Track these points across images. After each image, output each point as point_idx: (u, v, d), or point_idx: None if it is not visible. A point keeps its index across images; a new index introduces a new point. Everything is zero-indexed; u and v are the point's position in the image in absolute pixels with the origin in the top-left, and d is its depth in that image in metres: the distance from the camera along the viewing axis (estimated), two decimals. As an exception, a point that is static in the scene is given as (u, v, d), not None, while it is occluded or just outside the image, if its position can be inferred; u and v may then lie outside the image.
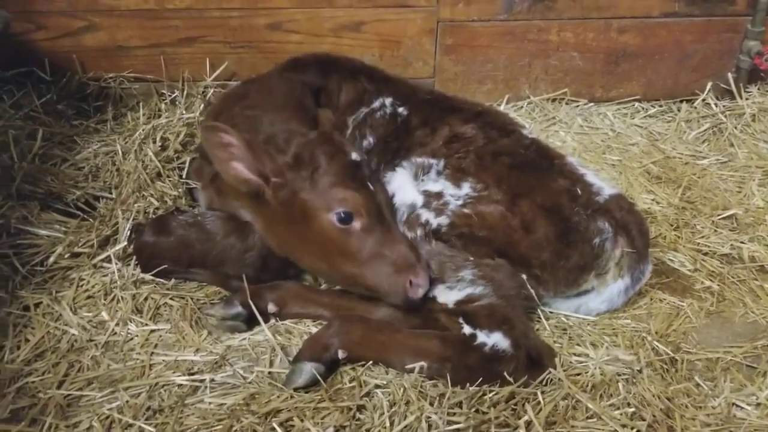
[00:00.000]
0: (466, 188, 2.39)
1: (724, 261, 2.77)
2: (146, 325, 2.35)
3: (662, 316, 2.48)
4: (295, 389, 2.10)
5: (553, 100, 3.81)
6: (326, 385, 2.12)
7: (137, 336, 2.32)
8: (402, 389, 2.09)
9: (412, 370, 2.14)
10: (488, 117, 2.69)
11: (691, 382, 2.19)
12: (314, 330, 2.37)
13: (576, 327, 2.42)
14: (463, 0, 3.49)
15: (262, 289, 2.40)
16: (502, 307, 2.21)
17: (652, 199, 3.11)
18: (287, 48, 3.45)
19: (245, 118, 2.57)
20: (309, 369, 2.12)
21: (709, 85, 3.82)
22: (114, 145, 3.07)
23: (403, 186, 2.45)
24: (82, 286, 2.47)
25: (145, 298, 2.44)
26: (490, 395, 2.07)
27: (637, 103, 3.86)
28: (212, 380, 2.15)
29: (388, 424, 1.98)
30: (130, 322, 2.36)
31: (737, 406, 2.10)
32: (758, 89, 3.85)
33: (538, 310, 2.42)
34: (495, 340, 2.13)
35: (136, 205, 2.70)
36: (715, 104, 3.78)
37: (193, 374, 2.18)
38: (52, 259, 2.51)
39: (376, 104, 2.81)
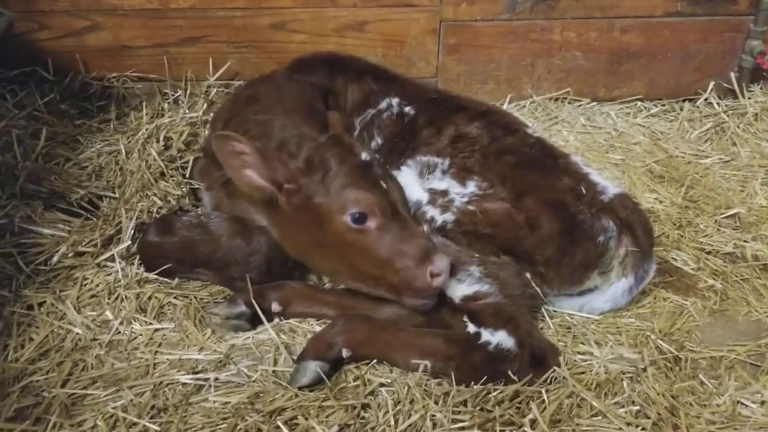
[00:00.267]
0: (472, 186, 2.39)
1: (727, 260, 2.77)
2: (150, 324, 2.35)
3: (666, 315, 2.48)
4: (300, 388, 2.10)
5: (556, 99, 3.81)
6: (330, 384, 2.11)
7: (141, 335, 2.32)
8: (406, 388, 2.09)
9: (416, 369, 2.14)
10: (493, 116, 2.69)
11: (695, 380, 2.19)
12: (318, 329, 2.36)
13: (580, 326, 2.42)
14: (466, 0, 3.49)
15: (266, 288, 2.40)
16: (507, 306, 2.21)
17: (655, 198, 3.11)
18: (291, 48, 3.45)
19: (257, 123, 2.57)
20: (313, 368, 2.12)
21: (711, 85, 3.82)
22: (117, 144, 3.08)
23: (409, 184, 2.45)
24: (85, 285, 2.47)
25: (149, 297, 2.44)
26: (495, 394, 2.06)
27: (639, 103, 3.85)
28: (216, 379, 2.15)
29: (392, 423, 1.98)
30: (134, 321, 2.35)
31: (742, 404, 2.10)
32: (761, 89, 3.85)
33: (543, 309, 2.42)
34: (499, 338, 2.13)
35: (139, 204, 2.71)
36: (718, 104, 3.77)
37: (197, 373, 2.18)
38: (55, 259, 2.51)
39: (383, 105, 2.82)
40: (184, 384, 2.13)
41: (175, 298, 2.46)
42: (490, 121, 2.64)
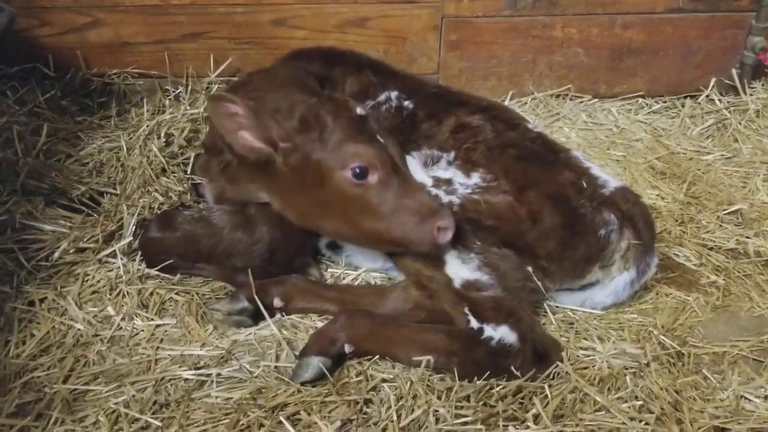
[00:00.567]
0: (476, 178, 2.38)
1: (729, 256, 2.76)
2: (152, 320, 2.35)
3: (668, 311, 2.48)
4: (302, 384, 2.10)
5: (557, 96, 3.80)
6: (333, 380, 2.11)
7: (143, 331, 2.31)
8: (409, 383, 2.09)
9: (418, 365, 2.13)
10: (494, 111, 2.68)
11: (698, 375, 2.18)
12: (320, 325, 2.36)
13: (582, 321, 2.42)
14: (468, -4, 3.49)
15: (267, 284, 2.40)
16: (507, 300, 2.20)
17: (657, 195, 3.11)
18: (292, 44, 3.43)
19: (249, 99, 2.56)
20: (316, 363, 2.11)
21: (713, 81, 3.81)
22: (118, 140, 3.07)
23: (413, 172, 2.44)
24: (87, 281, 2.46)
25: (151, 293, 2.44)
26: (498, 389, 2.06)
27: (641, 99, 3.84)
28: (218, 375, 2.15)
29: (395, 418, 1.97)
30: (136, 316, 2.35)
31: (745, 398, 2.10)
32: (762, 85, 3.84)
33: (545, 304, 2.42)
34: (502, 333, 2.12)
35: (141, 200, 2.71)
36: (719, 100, 3.76)
37: (199, 369, 2.18)
38: (57, 255, 2.50)
39: (382, 97, 2.81)
40: (186, 380, 2.13)
41: (176, 294, 2.46)
42: (492, 116, 2.63)
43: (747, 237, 2.84)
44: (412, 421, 1.97)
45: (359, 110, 2.32)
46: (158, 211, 2.67)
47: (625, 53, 3.72)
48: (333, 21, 3.48)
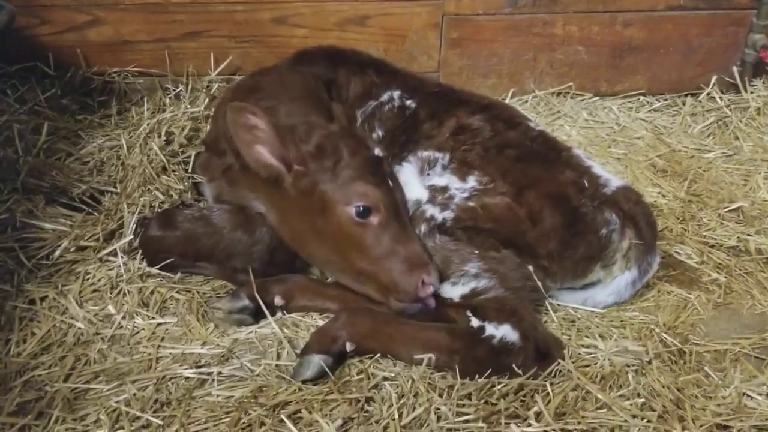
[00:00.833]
0: (472, 181, 2.38)
1: (730, 253, 2.76)
2: (153, 318, 2.34)
3: (670, 308, 2.48)
4: (303, 382, 2.09)
5: (558, 94, 3.80)
6: (334, 378, 2.11)
7: (144, 329, 2.31)
8: (410, 381, 2.08)
9: (420, 363, 2.13)
10: (495, 109, 2.68)
11: (700, 372, 2.18)
12: (321, 323, 2.36)
13: (584, 319, 2.42)
14: (468, -6, 3.49)
15: (268, 282, 2.40)
16: (509, 299, 2.20)
17: (658, 192, 3.11)
18: (292, 42, 3.44)
19: (263, 109, 2.56)
20: (317, 361, 2.11)
21: (714, 79, 3.81)
22: (119, 139, 3.07)
23: (409, 182, 2.45)
24: (88, 279, 2.46)
25: (152, 292, 2.43)
26: (500, 387, 2.06)
27: (642, 97, 3.85)
28: (219, 373, 2.14)
29: (396, 416, 1.97)
30: (137, 315, 2.35)
31: (747, 395, 2.09)
32: (763, 83, 3.84)
33: (546, 302, 2.42)
34: (503, 332, 2.12)
35: (141, 199, 2.70)
36: (720, 98, 3.76)
37: (200, 367, 2.17)
38: (57, 253, 2.50)
39: (385, 97, 2.81)
40: (187, 378, 2.13)
41: (177, 292, 2.45)
42: (493, 115, 2.63)
43: (748, 234, 2.83)
44: (414, 419, 1.97)
45: (377, 151, 2.36)
46: (159, 210, 2.66)
47: (626, 51, 3.72)
48: (333, 19, 3.48)
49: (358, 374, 2.14)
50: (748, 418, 1.99)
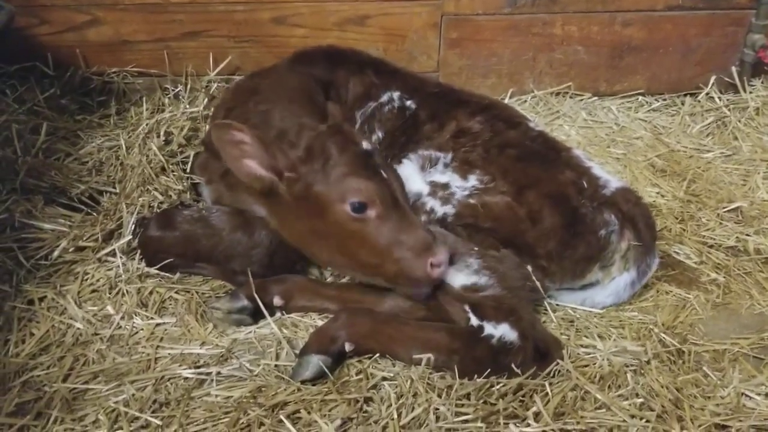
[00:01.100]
0: (473, 180, 2.38)
1: (729, 253, 2.76)
2: (152, 318, 2.34)
3: (669, 308, 2.48)
4: (303, 382, 2.09)
5: (557, 94, 3.81)
6: (333, 378, 2.11)
7: (143, 329, 2.31)
8: (409, 381, 2.08)
9: (419, 363, 2.13)
10: (495, 109, 2.68)
11: (699, 372, 2.18)
12: (320, 323, 2.36)
13: (583, 319, 2.42)
14: (468, -6, 3.49)
15: (268, 282, 2.40)
16: (508, 299, 2.20)
17: (657, 192, 3.11)
18: (292, 42, 3.44)
19: (258, 113, 2.56)
20: (316, 362, 2.11)
21: (713, 79, 3.81)
22: (118, 139, 3.07)
23: (410, 176, 2.44)
24: (86, 280, 2.46)
25: (150, 292, 2.43)
26: (499, 387, 2.06)
27: (641, 97, 3.85)
28: (218, 373, 2.14)
29: (395, 416, 1.97)
30: (136, 315, 2.35)
31: (746, 395, 2.10)
32: (762, 83, 3.85)
33: (545, 302, 2.42)
34: (502, 331, 2.12)
35: (140, 199, 2.70)
36: (719, 98, 3.77)
37: (199, 367, 2.17)
38: (56, 253, 2.50)
39: (384, 98, 2.81)
40: (185, 378, 2.13)
41: (176, 292, 2.45)
42: (493, 115, 2.63)
43: (747, 234, 2.83)
44: (413, 419, 1.97)
45: (365, 145, 2.34)
46: (158, 210, 2.66)
47: (625, 51, 3.72)
48: (333, 19, 3.48)
49: (357, 374, 2.14)
50: (747, 418, 1.99)
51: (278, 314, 2.39)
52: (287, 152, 2.29)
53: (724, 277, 2.63)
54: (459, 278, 2.23)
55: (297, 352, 2.20)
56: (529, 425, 1.95)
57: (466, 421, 1.95)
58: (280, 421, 1.95)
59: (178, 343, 2.27)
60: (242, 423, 1.96)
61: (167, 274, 2.51)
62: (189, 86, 3.50)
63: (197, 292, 2.46)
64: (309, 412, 1.98)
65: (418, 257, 2.18)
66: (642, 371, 2.16)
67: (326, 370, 2.10)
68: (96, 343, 2.24)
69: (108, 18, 3.39)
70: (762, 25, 3.65)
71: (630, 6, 3.60)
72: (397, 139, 2.69)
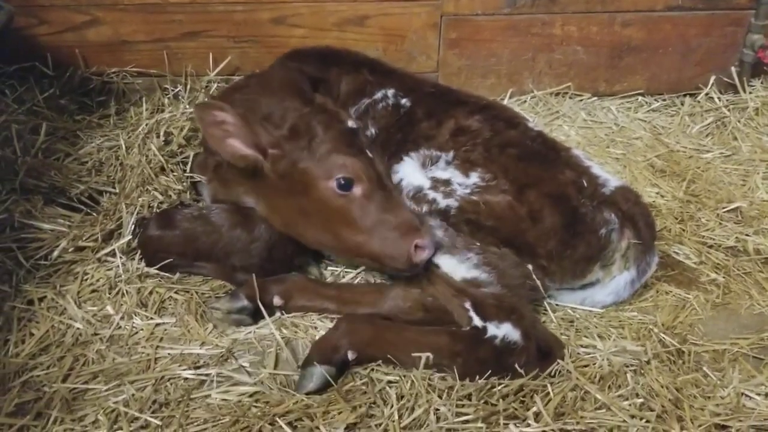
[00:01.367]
0: (474, 178, 2.38)
1: (729, 253, 2.76)
2: (151, 318, 2.34)
3: (668, 309, 2.48)
4: (307, 394, 2.07)
5: (557, 94, 3.80)
6: (338, 387, 2.09)
7: (142, 330, 2.31)
8: (410, 382, 2.08)
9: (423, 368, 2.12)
10: (494, 110, 2.68)
11: (699, 372, 2.18)
12: (320, 323, 2.36)
13: (582, 319, 2.42)
14: (467, -6, 3.48)
15: (267, 282, 2.39)
16: (508, 297, 2.20)
17: (657, 193, 3.11)
18: (291, 42, 3.44)
19: (243, 101, 2.56)
20: (320, 372, 2.08)
21: (712, 79, 3.81)
22: (117, 139, 3.06)
23: (411, 173, 2.44)
24: (86, 280, 2.46)
25: (150, 292, 2.43)
26: (500, 387, 2.06)
27: (640, 97, 3.85)
28: (219, 374, 2.14)
29: (396, 417, 1.97)
30: (135, 315, 2.35)
31: (746, 395, 2.10)
32: (761, 83, 3.84)
33: (545, 302, 2.42)
34: (505, 331, 2.11)
35: (140, 199, 2.69)
36: (719, 98, 3.77)
37: (198, 368, 2.17)
38: (56, 253, 2.50)
39: (378, 95, 2.80)
40: (185, 379, 2.13)
41: (176, 292, 2.45)
42: (492, 115, 2.63)
43: (747, 235, 2.84)
44: (414, 420, 1.97)
45: (351, 123, 2.34)
46: (157, 210, 2.66)
47: (625, 51, 3.72)
48: (332, 19, 3.48)
49: (360, 380, 2.13)
50: (747, 418, 1.99)
51: (278, 314, 2.38)
52: (271, 131, 2.29)
53: (724, 278, 2.63)
54: (460, 270, 2.23)
55: (296, 351, 2.20)
56: (529, 425, 1.95)
57: (466, 422, 1.95)
58: (281, 417, 1.95)
59: (178, 343, 2.27)
60: (241, 423, 1.95)
61: (167, 274, 2.51)
62: (189, 86, 3.50)
63: (197, 292, 2.46)
64: (312, 420, 1.96)
65: (404, 238, 2.18)
66: (642, 371, 2.16)
67: (331, 380, 2.08)
68: (96, 343, 2.24)
69: (107, 18, 3.39)
70: (761, 26, 3.65)
71: (629, 6, 3.60)
72: (392, 137, 2.68)
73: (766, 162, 3.34)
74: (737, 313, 2.50)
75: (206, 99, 3.27)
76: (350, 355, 2.14)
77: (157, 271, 2.50)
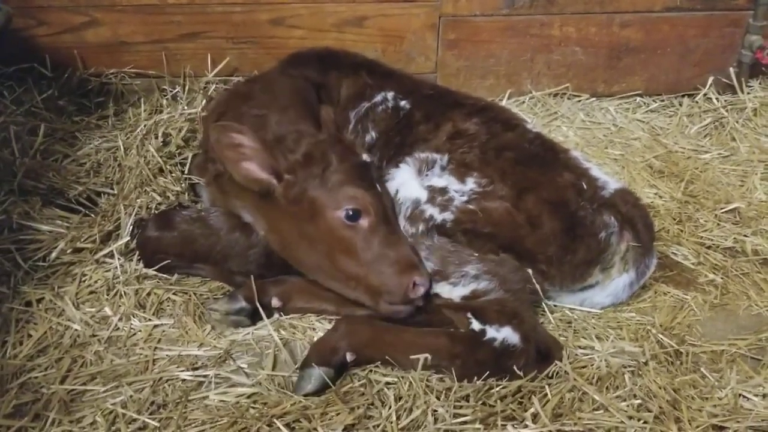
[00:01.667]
0: (471, 183, 2.37)
1: (727, 254, 2.76)
2: (149, 320, 2.34)
3: (666, 309, 2.48)
4: (306, 395, 2.07)
5: (555, 95, 3.80)
6: (336, 388, 2.09)
7: (140, 331, 2.31)
8: (408, 383, 2.08)
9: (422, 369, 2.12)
10: (492, 112, 2.68)
11: (696, 373, 2.18)
12: (318, 325, 2.36)
13: (580, 320, 2.42)
14: (466, -5, 3.49)
15: (266, 283, 2.39)
16: (510, 302, 2.20)
17: (655, 193, 3.11)
18: (290, 43, 3.44)
19: (253, 117, 2.56)
20: (318, 374, 2.08)
21: (710, 80, 3.81)
22: (115, 140, 3.06)
23: (407, 182, 2.44)
24: (84, 281, 2.46)
25: (148, 294, 2.43)
26: (498, 388, 2.06)
27: (638, 98, 3.85)
28: (216, 375, 2.14)
29: (394, 419, 1.97)
30: (133, 317, 2.35)
31: (744, 396, 2.10)
32: (759, 84, 3.85)
33: (543, 303, 2.41)
34: (505, 334, 2.11)
35: (138, 200, 2.70)
36: (717, 99, 3.77)
37: (196, 369, 2.17)
38: (54, 255, 2.50)
39: (378, 98, 2.80)
40: (183, 380, 2.13)
41: (174, 294, 2.45)
42: (489, 117, 2.63)
43: (745, 235, 2.84)
44: (411, 421, 1.97)
45: (365, 157, 2.37)
46: (156, 211, 2.66)
47: (623, 52, 3.73)
48: (331, 20, 3.48)
49: (358, 381, 2.13)
50: (744, 419, 1.99)
51: (276, 315, 2.39)
52: (287, 156, 2.30)
53: (722, 278, 2.63)
54: (457, 292, 2.25)
55: (293, 352, 2.20)
56: (527, 426, 1.95)
57: (464, 423, 1.95)
58: (278, 418, 1.95)
59: (176, 344, 2.27)
60: (240, 424, 1.95)
61: (165, 276, 2.51)
62: (187, 87, 3.50)
63: (195, 294, 2.46)
64: (310, 421, 1.96)
65: (402, 274, 2.20)
66: (640, 372, 2.16)
67: (329, 381, 2.09)
68: (94, 345, 2.24)
69: (106, 19, 3.39)
70: (759, 26, 3.65)
71: (628, 7, 3.60)
72: (391, 140, 2.69)
73: (764, 163, 3.34)
74: (735, 314, 2.50)
75: (208, 104, 3.26)
76: (349, 357, 2.14)
77: (155, 273, 2.50)
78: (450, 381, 2.09)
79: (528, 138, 2.56)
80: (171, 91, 3.50)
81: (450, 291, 2.25)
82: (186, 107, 3.28)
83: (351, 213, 2.23)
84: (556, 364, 2.14)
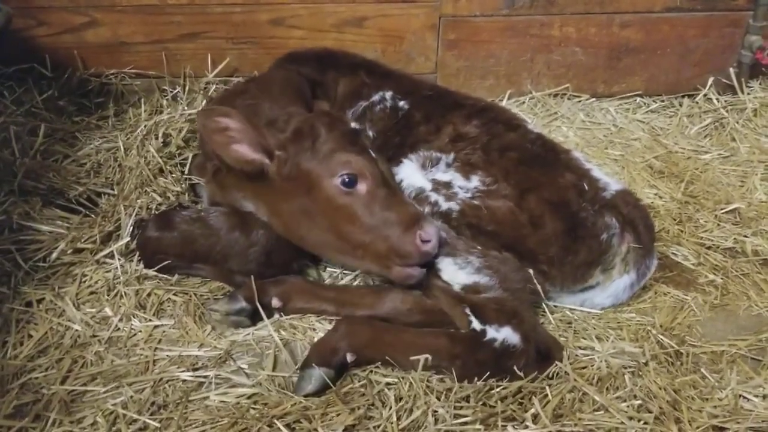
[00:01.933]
0: (475, 181, 2.38)
1: (727, 255, 2.76)
2: (150, 320, 2.34)
3: (667, 310, 2.48)
4: (306, 396, 2.07)
5: (555, 95, 3.80)
6: (336, 389, 2.09)
7: (141, 331, 2.31)
8: (408, 384, 2.08)
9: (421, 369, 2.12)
10: (492, 112, 2.68)
11: (697, 374, 2.18)
12: (318, 325, 2.36)
13: (581, 321, 2.42)
14: (466, -5, 3.49)
15: (266, 283, 2.39)
16: (509, 301, 2.19)
17: (655, 194, 3.11)
18: (290, 44, 3.45)
19: (245, 107, 2.57)
20: (318, 374, 2.08)
21: (710, 80, 3.82)
22: (116, 141, 3.06)
23: (412, 174, 2.44)
24: (84, 281, 2.46)
25: (149, 294, 2.43)
26: (498, 389, 2.06)
27: (638, 99, 3.85)
28: (217, 375, 2.14)
29: (395, 419, 1.97)
30: (134, 317, 2.35)
31: (744, 397, 2.10)
32: (759, 84, 3.85)
33: (543, 304, 2.41)
34: (505, 334, 2.11)
35: (138, 201, 2.70)
36: (717, 99, 3.77)
37: (197, 369, 2.17)
38: (54, 255, 2.50)
39: (376, 98, 2.80)
40: (184, 381, 2.13)
41: (174, 294, 2.45)
42: (490, 118, 2.63)
43: (745, 236, 2.84)
44: (412, 422, 1.97)
45: (353, 125, 2.37)
46: (156, 212, 2.66)
47: (623, 52, 3.73)
48: (331, 20, 3.48)
49: (359, 382, 2.13)
50: (745, 419, 1.99)
51: (276, 316, 2.38)
52: (276, 134, 2.31)
53: (722, 279, 2.63)
54: (460, 276, 2.23)
55: (294, 352, 2.20)
56: (527, 427, 1.95)
57: (464, 424, 1.95)
58: (279, 418, 1.95)
59: (177, 344, 2.27)
60: (240, 425, 1.95)
61: (165, 276, 2.51)
62: (187, 88, 3.50)
63: (195, 294, 2.46)
64: (310, 422, 1.96)
65: (408, 231, 2.18)
66: (640, 373, 2.16)
67: (329, 382, 2.09)
68: (94, 345, 2.24)
69: (106, 19, 3.39)
70: (759, 27, 3.65)
71: (628, 7, 3.60)
72: (390, 140, 2.68)
73: (764, 163, 3.34)
74: (735, 315, 2.50)
75: (207, 104, 3.27)
76: (349, 357, 2.14)
77: (155, 273, 2.50)
78: (450, 381, 2.09)
79: (530, 138, 2.56)
80: (171, 92, 3.50)
81: (453, 273, 2.23)
82: (186, 108, 3.28)
83: (347, 179, 2.21)
84: (556, 365, 2.14)
